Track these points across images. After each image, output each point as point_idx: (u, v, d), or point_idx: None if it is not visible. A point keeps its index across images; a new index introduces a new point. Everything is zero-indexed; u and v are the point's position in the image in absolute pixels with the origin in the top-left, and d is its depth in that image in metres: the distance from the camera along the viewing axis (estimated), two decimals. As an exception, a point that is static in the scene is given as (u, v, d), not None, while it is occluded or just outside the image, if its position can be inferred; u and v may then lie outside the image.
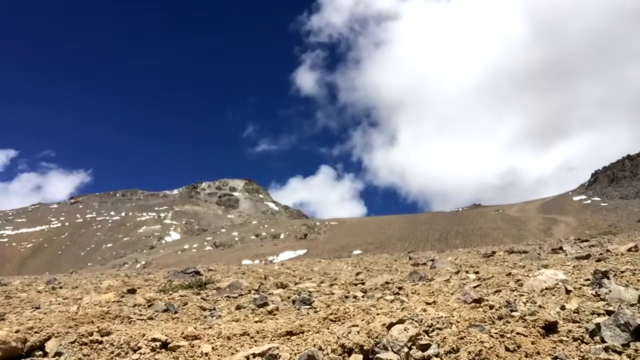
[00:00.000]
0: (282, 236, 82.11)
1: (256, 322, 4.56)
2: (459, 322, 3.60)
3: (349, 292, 6.32)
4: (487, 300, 4.43)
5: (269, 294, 6.49)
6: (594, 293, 4.51)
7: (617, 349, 3.04)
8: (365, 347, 3.26)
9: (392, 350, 3.17)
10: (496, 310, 3.98)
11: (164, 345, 3.60)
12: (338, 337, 3.40)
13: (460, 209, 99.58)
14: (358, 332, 3.49)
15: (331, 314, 4.34)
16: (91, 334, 3.72)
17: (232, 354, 3.45)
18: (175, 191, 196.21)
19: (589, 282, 4.99)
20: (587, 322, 3.54)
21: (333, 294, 6.32)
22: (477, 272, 7.53)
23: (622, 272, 5.70)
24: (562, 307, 4.07)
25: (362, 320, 3.92)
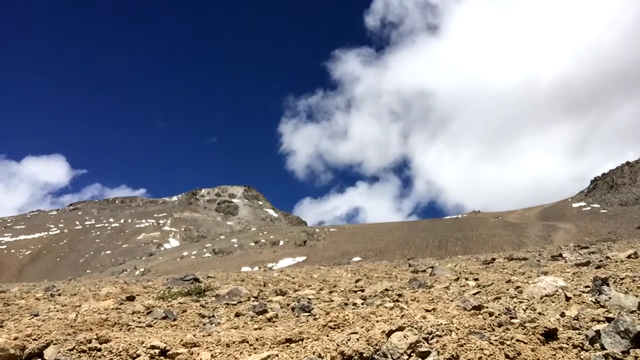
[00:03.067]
0: (281, 243, 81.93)
1: (255, 329, 4.55)
2: (458, 329, 3.60)
3: (348, 299, 6.31)
4: (486, 307, 4.42)
5: (268, 301, 6.47)
6: (593, 300, 4.51)
7: (617, 356, 3.04)
8: (364, 355, 3.25)
9: (392, 358, 3.16)
10: (496, 317, 3.97)
11: (163, 352, 3.59)
12: (337, 345, 3.39)
13: (460, 216, 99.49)
14: (357, 339, 3.48)
15: (330, 321, 4.33)
16: (90, 342, 3.71)
17: (231, 361, 3.44)
18: (175, 198, 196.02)
19: (589, 289, 4.99)
20: (587, 329, 3.53)
21: (332, 301, 6.30)
22: (476, 279, 7.51)
23: (621, 279, 5.70)
24: (562, 314, 4.07)
25: (361, 328, 3.91)
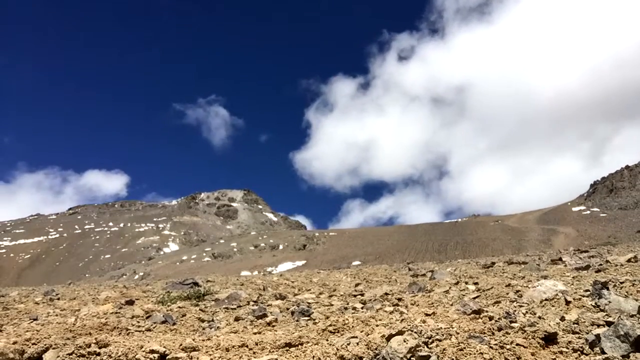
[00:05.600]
0: (280, 247, 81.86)
1: (255, 333, 4.54)
2: (458, 333, 3.59)
3: (348, 303, 6.30)
4: (486, 312, 4.42)
5: (267, 305, 6.46)
6: (593, 304, 4.51)
7: (617, 360, 3.03)
8: (364, 359, 3.25)
9: (392, 362, 3.15)
10: (496, 321, 3.97)
11: (162, 357, 3.58)
12: (337, 349, 3.38)
13: (460, 220, 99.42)
14: (357, 343, 3.48)
15: (330, 325, 4.32)
16: (89, 346, 3.70)
17: (231, 365, 3.43)
18: (174, 202, 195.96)
19: (589, 293, 4.99)
20: (587, 333, 3.53)
21: (332, 305, 6.29)
22: (476, 283, 7.51)
23: (621, 282, 5.70)
24: (562, 318, 4.07)
25: (361, 332, 3.90)
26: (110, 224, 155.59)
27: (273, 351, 3.71)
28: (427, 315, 4.59)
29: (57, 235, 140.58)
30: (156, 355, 3.56)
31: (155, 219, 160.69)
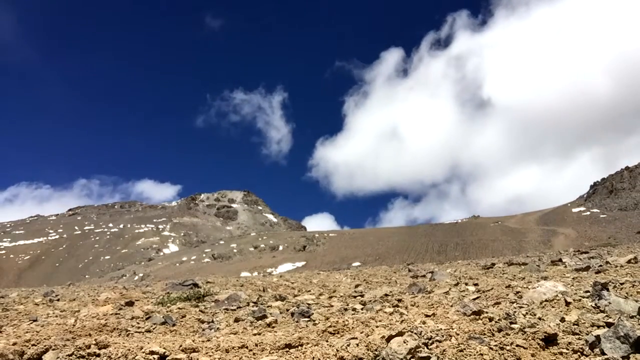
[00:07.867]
0: (280, 248, 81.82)
1: (255, 334, 4.54)
2: (458, 334, 3.59)
3: (348, 305, 6.30)
4: (486, 313, 4.42)
5: (267, 306, 6.46)
6: (593, 305, 4.51)
7: (617, 361, 3.03)
8: (364, 360, 3.24)
9: (392, 363, 3.15)
10: (496, 322, 3.96)
11: (162, 358, 3.58)
12: (337, 350, 3.38)
13: (460, 221, 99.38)
14: (357, 344, 3.47)
15: (330, 326, 4.32)
16: (89, 347, 3.70)
17: (231, 367, 3.42)
18: (174, 203, 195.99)
19: (589, 294, 4.99)
20: (587, 334, 3.53)
21: (332, 306, 6.29)
22: (476, 284, 7.51)
23: (621, 283, 5.71)
24: (562, 319, 4.06)
25: (361, 333, 3.90)
26: (110, 224, 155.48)
27: (273, 352, 3.70)
28: (427, 316, 4.59)
29: (57, 237, 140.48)
30: (156, 357, 3.56)
31: (155, 220, 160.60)
